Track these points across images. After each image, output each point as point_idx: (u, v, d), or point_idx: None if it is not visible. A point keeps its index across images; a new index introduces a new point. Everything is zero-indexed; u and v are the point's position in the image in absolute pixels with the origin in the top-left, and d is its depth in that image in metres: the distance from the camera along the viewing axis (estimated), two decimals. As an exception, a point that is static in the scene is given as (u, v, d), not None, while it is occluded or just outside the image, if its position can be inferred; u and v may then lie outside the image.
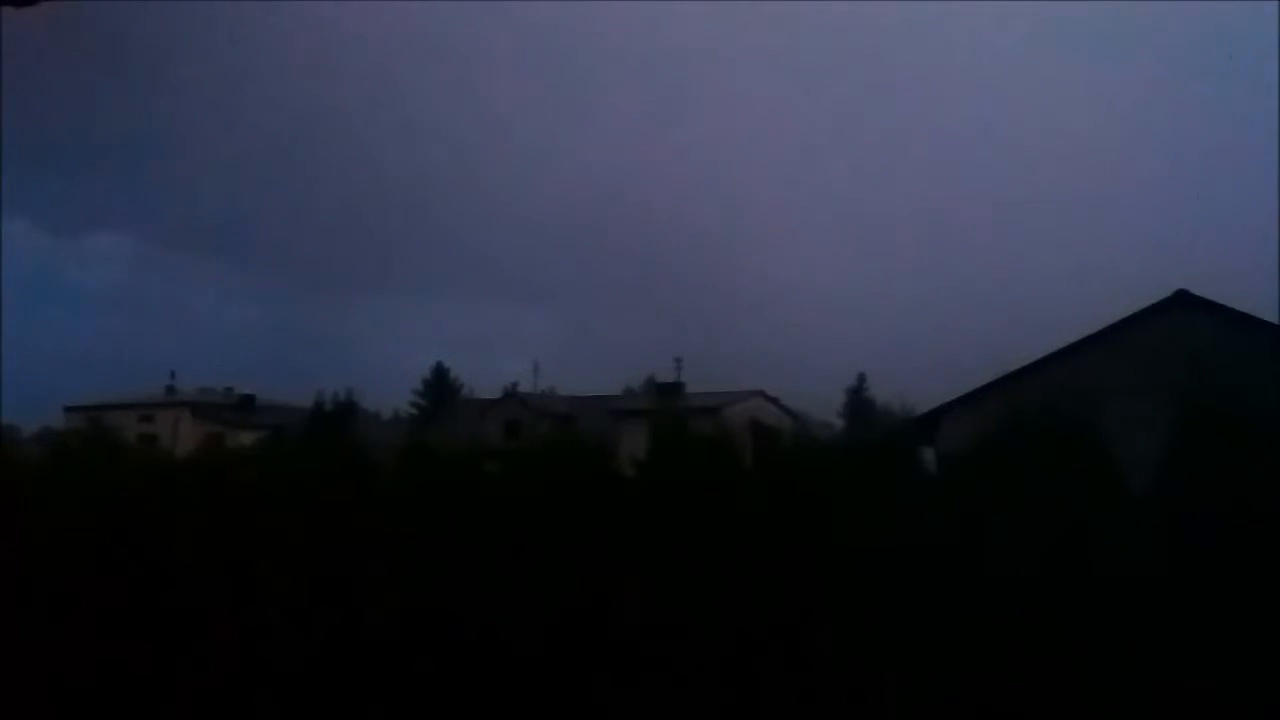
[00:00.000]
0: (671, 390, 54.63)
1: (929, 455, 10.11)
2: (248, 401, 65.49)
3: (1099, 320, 20.61)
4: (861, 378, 71.80)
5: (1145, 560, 6.67)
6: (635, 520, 7.44)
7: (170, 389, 67.37)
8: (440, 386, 75.19)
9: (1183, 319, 19.37)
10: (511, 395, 60.40)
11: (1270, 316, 18.05)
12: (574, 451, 8.27)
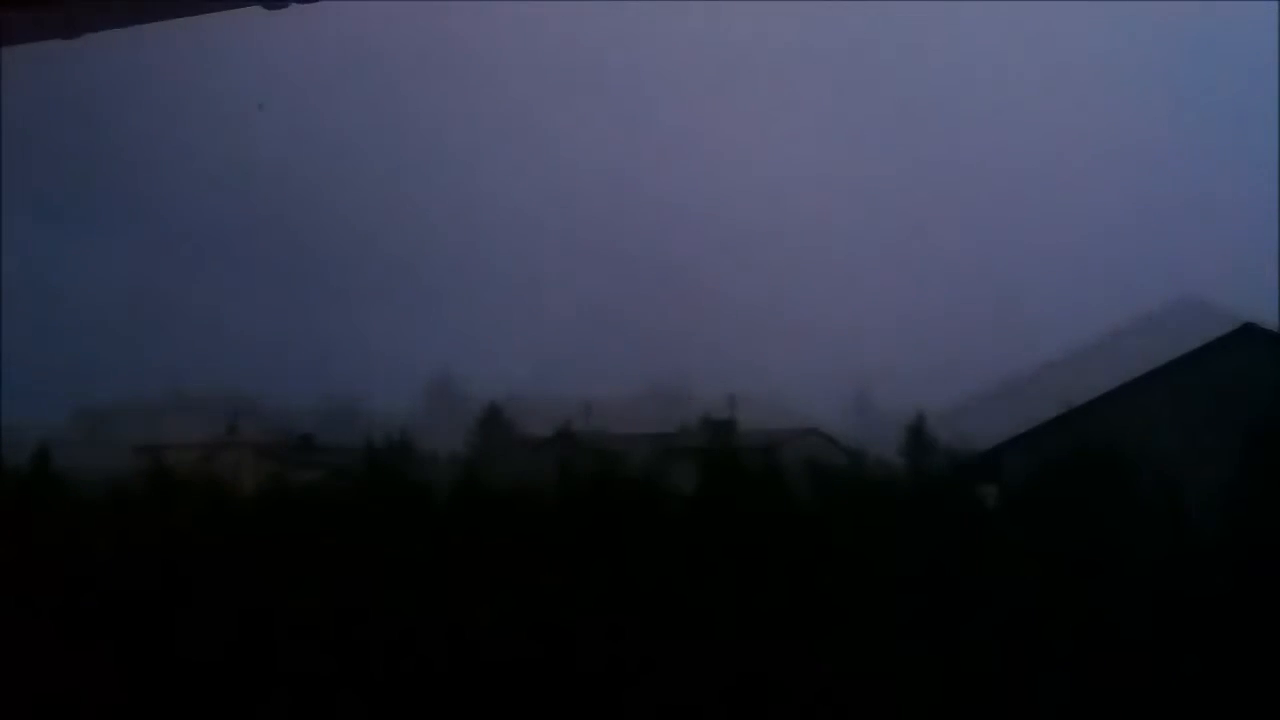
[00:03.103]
0: (725, 428, 54.05)
1: (991, 492, 9.92)
2: (306, 441, 66.32)
3: (1160, 355, 20.14)
4: (921, 415, 70.84)
5: (1211, 596, 6.47)
6: (683, 559, 7.41)
7: (232, 428, 68.62)
8: (494, 425, 75.92)
9: (1250, 352, 18.87)
10: (564, 434, 60.47)
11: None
12: (623, 490, 8.26)
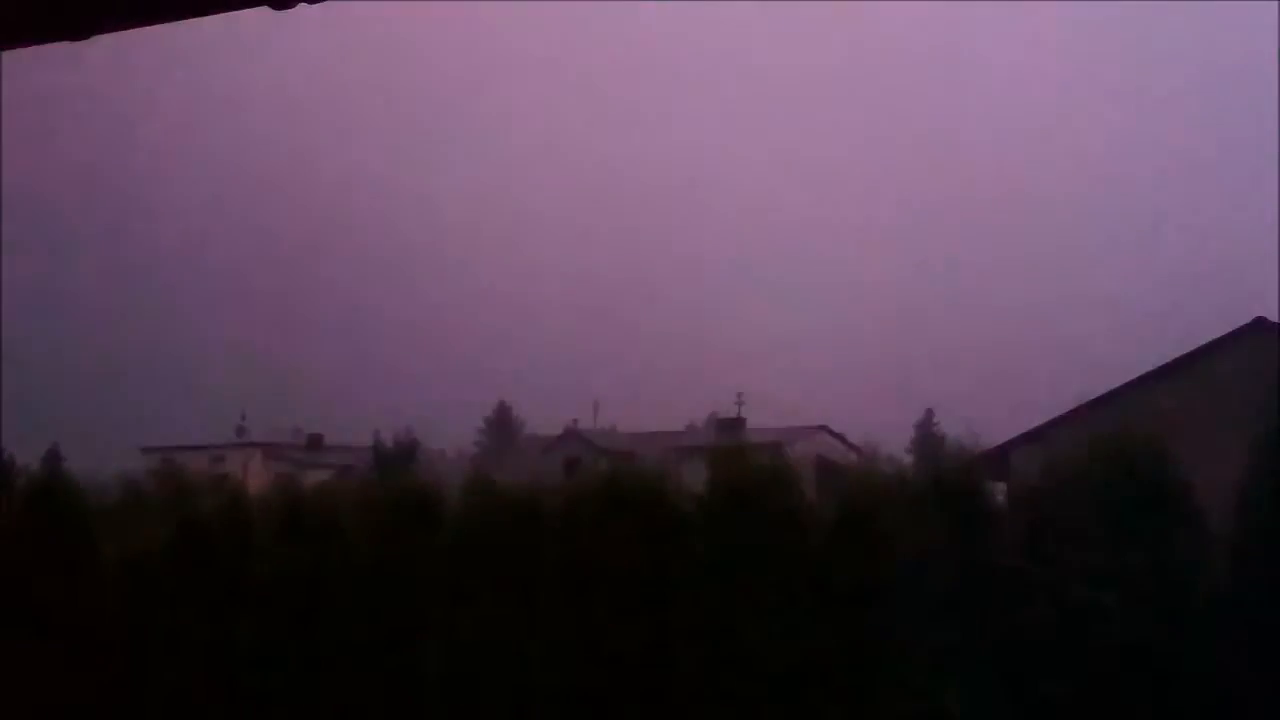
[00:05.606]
0: (733, 426, 54.30)
1: (999, 489, 9.92)
2: (316, 441, 66.73)
3: (1173, 350, 20.13)
4: (930, 413, 70.70)
5: (1222, 590, 6.45)
6: (693, 554, 7.41)
7: (241, 430, 68.95)
8: (503, 424, 76.12)
9: (1260, 346, 18.80)
10: (572, 433, 60.80)
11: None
12: (631, 486, 8.28)
